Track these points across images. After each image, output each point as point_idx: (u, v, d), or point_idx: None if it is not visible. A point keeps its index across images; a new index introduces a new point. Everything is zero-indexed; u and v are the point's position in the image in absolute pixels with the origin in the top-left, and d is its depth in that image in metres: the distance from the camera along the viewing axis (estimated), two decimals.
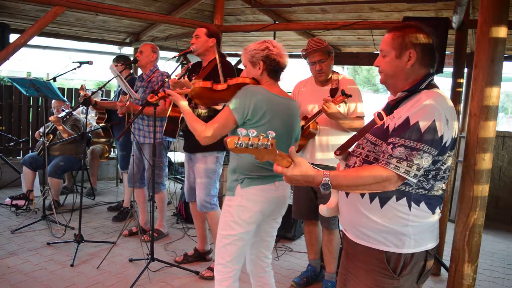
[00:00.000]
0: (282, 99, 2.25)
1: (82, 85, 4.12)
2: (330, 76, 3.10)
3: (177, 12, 5.47)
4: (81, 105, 4.07)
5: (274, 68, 2.23)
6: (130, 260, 3.55)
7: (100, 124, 4.76)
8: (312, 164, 3.04)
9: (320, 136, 3.07)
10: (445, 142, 1.48)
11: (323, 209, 1.77)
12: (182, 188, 5.00)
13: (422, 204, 1.54)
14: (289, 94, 2.47)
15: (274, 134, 1.31)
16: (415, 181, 1.47)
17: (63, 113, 4.66)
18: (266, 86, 2.23)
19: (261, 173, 2.16)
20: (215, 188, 3.30)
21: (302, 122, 3.00)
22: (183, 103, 2.34)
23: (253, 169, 2.15)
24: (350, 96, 2.87)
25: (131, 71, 4.89)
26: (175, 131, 3.22)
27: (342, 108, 3.00)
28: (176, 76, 3.00)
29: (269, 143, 1.29)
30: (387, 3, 4.43)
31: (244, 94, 2.12)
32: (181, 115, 3.06)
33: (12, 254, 3.56)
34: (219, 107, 2.84)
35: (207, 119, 2.66)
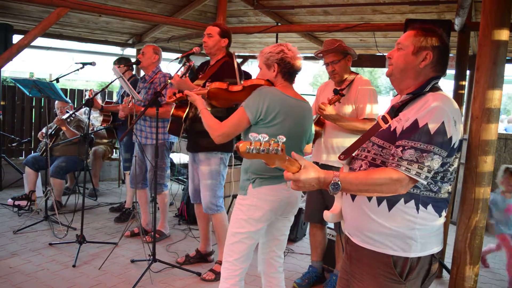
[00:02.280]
0: (296, 101, 2.28)
1: (91, 89, 4.17)
2: (345, 77, 3.05)
3: (180, 13, 5.48)
4: (83, 106, 4.09)
5: (288, 71, 2.27)
6: (132, 261, 3.56)
7: (105, 125, 4.78)
8: (316, 162, 3.04)
9: (326, 137, 3.07)
10: (454, 144, 1.49)
11: (327, 215, 1.74)
12: (184, 189, 5.01)
13: (430, 207, 1.54)
14: (302, 96, 2.47)
15: (284, 139, 1.29)
16: (425, 183, 1.47)
17: (66, 115, 4.68)
18: (280, 87, 2.27)
19: (273, 173, 2.17)
20: (220, 190, 3.30)
21: None
22: (201, 103, 2.39)
23: (265, 169, 2.18)
24: (343, 95, 2.86)
25: (134, 73, 4.90)
26: (179, 130, 3.23)
27: (350, 108, 2.99)
28: (180, 72, 3.02)
29: (279, 148, 1.28)
30: (390, 5, 4.43)
31: (258, 94, 2.17)
32: (184, 114, 3.09)
33: (14, 254, 3.57)
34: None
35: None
